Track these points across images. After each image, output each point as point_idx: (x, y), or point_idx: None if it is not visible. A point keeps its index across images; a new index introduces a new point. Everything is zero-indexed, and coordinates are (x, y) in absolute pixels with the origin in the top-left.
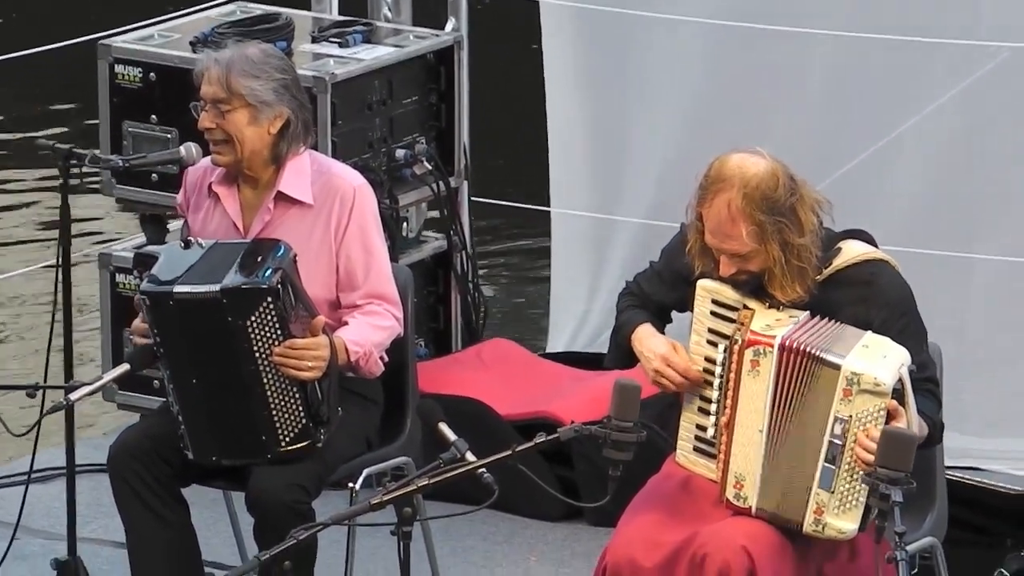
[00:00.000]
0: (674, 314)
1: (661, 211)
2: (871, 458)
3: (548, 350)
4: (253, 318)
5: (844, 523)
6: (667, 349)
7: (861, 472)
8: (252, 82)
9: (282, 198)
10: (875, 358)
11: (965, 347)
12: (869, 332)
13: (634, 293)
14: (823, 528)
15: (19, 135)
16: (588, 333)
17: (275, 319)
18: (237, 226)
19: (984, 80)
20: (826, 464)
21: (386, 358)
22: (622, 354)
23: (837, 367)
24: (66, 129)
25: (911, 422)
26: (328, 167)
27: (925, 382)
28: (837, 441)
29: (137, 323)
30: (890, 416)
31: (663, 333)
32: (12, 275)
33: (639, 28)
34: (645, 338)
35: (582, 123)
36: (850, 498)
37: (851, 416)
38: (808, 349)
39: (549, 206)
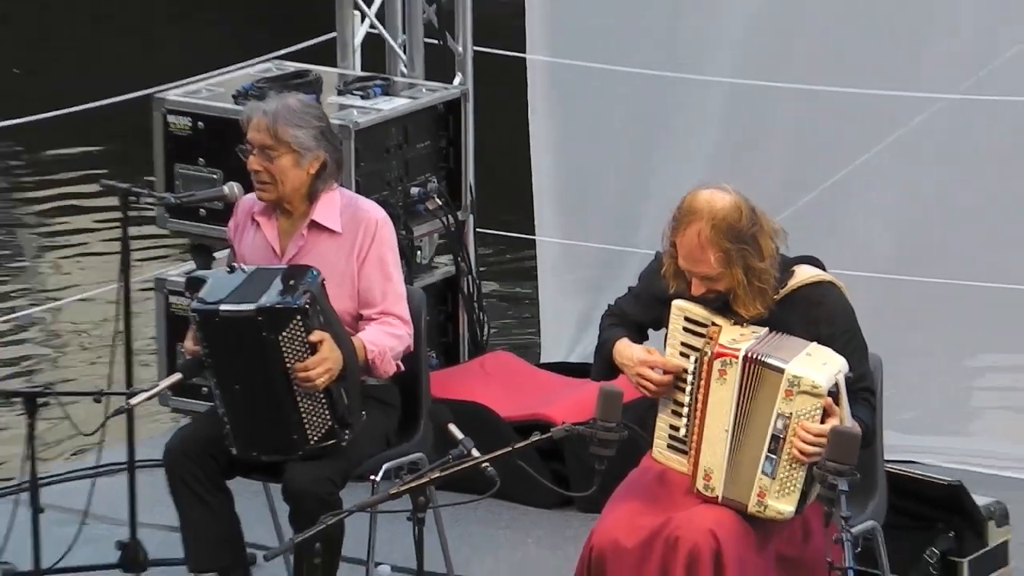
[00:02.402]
0: (650, 332)
1: (618, 238)
2: (809, 449)
3: (542, 360)
4: (284, 333)
5: (783, 505)
6: (644, 353)
7: (800, 463)
8: (296, 131)
9: (314, 226)
10: (815, 364)
11: (904, 359)
12: (814, 343)
13: (615, 314)
14: (764, 509)
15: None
16: (570, 334)
17: (303, 335)
18: (275, 250)
19: (921, 127)
20: (769, 454)
21: (402, 367)
22: (606, 367)
23: (781, 371)
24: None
25: (843, 420)
26: (355, 201)
27: (863, 391)
28: (779, 435)
29: (188, 341)
30: (826, 414)
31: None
32: (91, 294)
33: (602, 79)
34: (624, 348)
35: (560, 162)
36: (789, 484)
37: (791, 413)
38: (758, 356)
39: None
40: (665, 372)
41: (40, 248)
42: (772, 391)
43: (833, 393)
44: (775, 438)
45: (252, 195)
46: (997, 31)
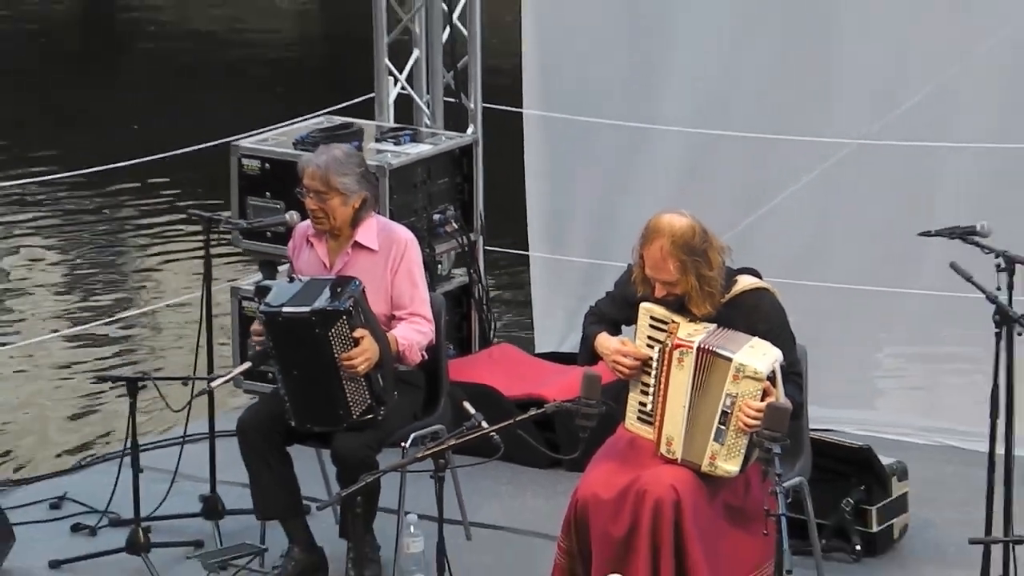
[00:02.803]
0: (623, 329)
1: (597, 253)
2: (751, 422)
3: (537, 350)
4: (333, 330)
5: (730, 466)
6: (619, 344)
7: (744, 432)
8: (343, 178)
9: (357, 246)
10: (757, 355)
11: (823, 347)
12: (756, 337)
13: (595, 313)
14: (715, 469)
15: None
16: (559, 330)
17: (348, 331)
18: (325, 264)
19: (834, 165)
20: (719, 426)
21: (426, 357)
22: (589, 355)
23: (730, 360)
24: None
25: (778, 398)
26: (388, 225)
27: (793, 375)
28: (727, 410)
29: (255, 328)
30: (765, 394)
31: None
32: (180, 300)
33: (582, 129)
34: (604, 340)
35: (547, 194)
36: (734, 449)
37: (737, 393)
38: (711, 348)
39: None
40: (635, 359)
41: (141, 263)
42: (722, 376)
43: (771, 377)
44: (724, 413)
45: (306, 222)
46: (897, 86)
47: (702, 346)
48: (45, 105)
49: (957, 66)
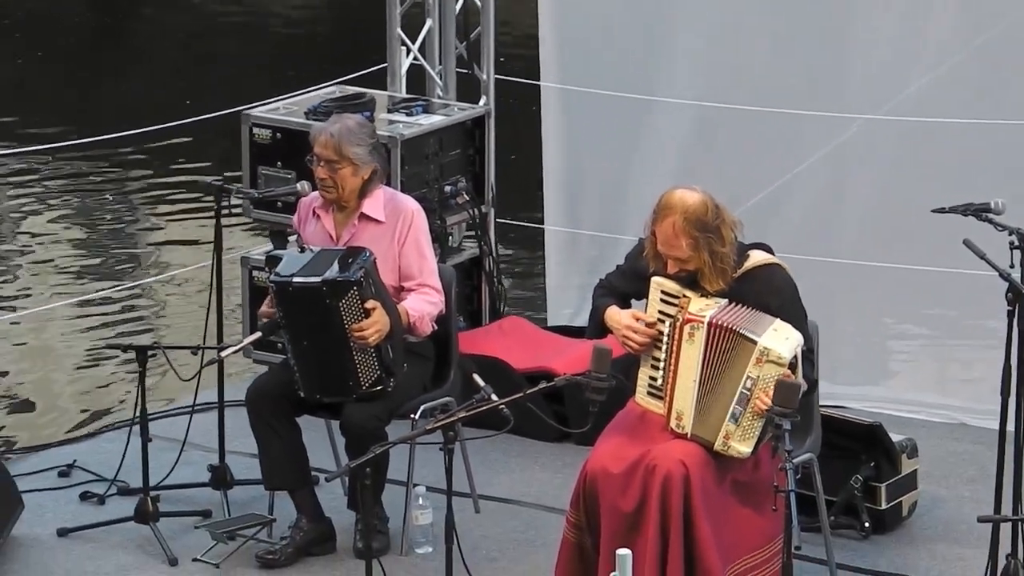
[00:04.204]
0: (632, 301)
1: (611, 227)
2: (768, 404)
3: (549, 324)
4: (343, 301)
5: (743, 447)
6: (630, 318)
7: (760, 415)
8: (355, 148)
9: (363, 217)
10: (780, 339)
11: (834, 324)
12: (778, 319)
13: (604, 286)
14: (727, 448)
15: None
16: (573, 303)
17: (359, 302)
18: (332, 236)
19: (847, 142)
20: (736, 406)
21: (436, 327)
22: (598, 328)
23: (755, 342)
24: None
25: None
26: (395, 196)
27: (807, 352)
28: (746, 392)
29: (265, 306)
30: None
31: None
32: (190, 269)
33: (598, 101)
34: (613, 314)
35: (564, 167)
36: (749, 431)
37: (758, 376)
38: (735, 328)
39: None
40: (646, 335)
41: (150, 233)
42: (745, 358)
43: (792, 363)
44: (743, 395)
45: (312, 194)
46: (910, 61)
47: (713, 321)
48: (57, 74)
49: (971, 43)
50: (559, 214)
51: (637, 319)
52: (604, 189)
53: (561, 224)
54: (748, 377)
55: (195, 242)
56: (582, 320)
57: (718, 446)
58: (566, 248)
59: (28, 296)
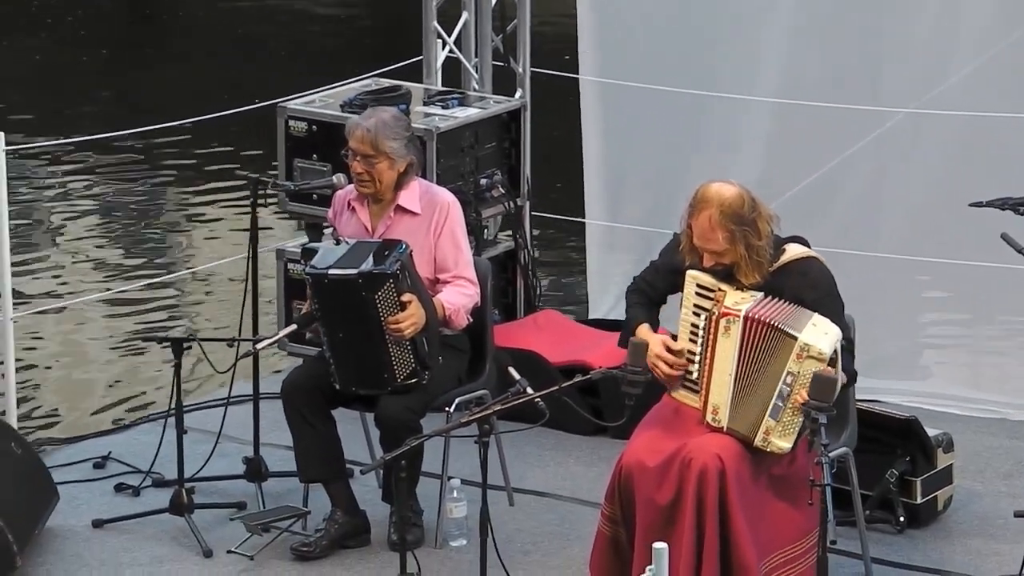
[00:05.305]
0: (669, 298)
1: (654, 221)
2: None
3: (590, 316)
4: (379, 293)
5: (783, 443)
6: (660, 346)
7: (800, 411)
8: (391, 142)
9: (399, 209)
10: (820, 334)
11: (871, 318)
12: (816, 314)
13: (640, 289)
14: (767, 444)
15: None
16: (609, 302)
17: (395, 295)
18: (367, 229)
19: (884, 135)
20: (777, 402)
21: (471, 320)
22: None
23: (795, 338)
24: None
25: (837, 375)
26: (430, 188)
27: (846, 343)
28: (787, 388)
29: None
30: None
31: (658, 319)
32: (224, 261)
33: (635, 95)
34: (644, 335)
35: (605, 160)
36: (789, 427)
37: (798, 372)
38: (775, 323)
39: (585, 218)
40: (674, 368)
41: (186, 225)
42: (786, 353)
43: (832, 359)
44: (783, 391)
45: (348, 187)
46: (949, 55)
47: (749, 315)
48: (93, 65)
49: (1010, 36)
50: (599, 207)
51: (668, 348)
52: (644, 182)
53: (602, 217)
54: (788, 373)
55: (232, 232)
56: (618, 313)
57: (758, 442)
58: (608, 241)
59: (64, 288)
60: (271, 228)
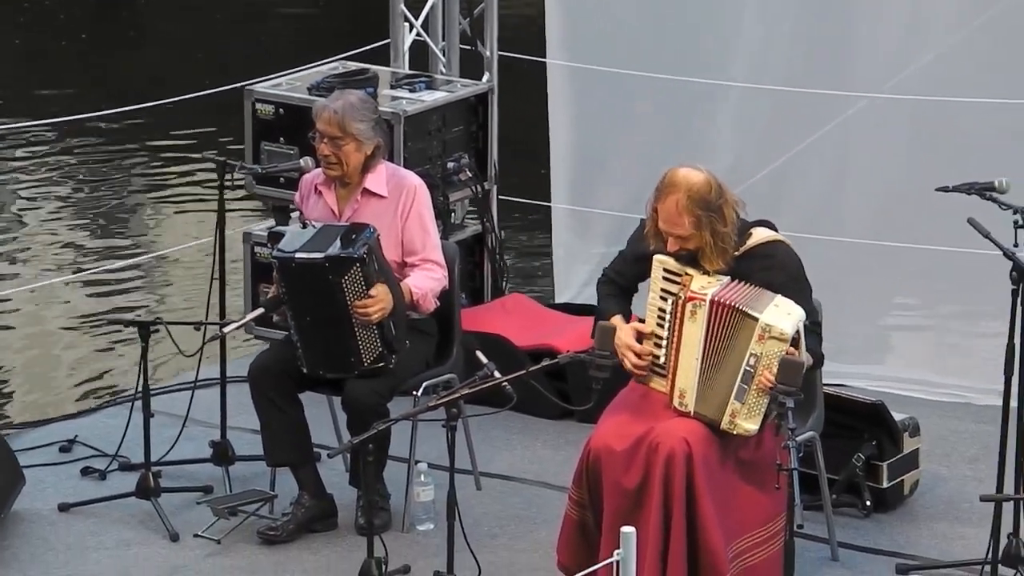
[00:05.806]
0: (640, 286)
1: (621, 206)
2: (773, 381)
3: (556, 300)
4: (346, 277)
5: (749, 424)
6: (630, 335)
7: (765, 392)
8: (359, 124)
9: (366, 192)
10: (782, 315)
11: (837, 302)
12: (779, 295)
13: (610, 279)
14: (734, 427)
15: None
16: (576, 287)
17: (362, 279)
18: (334, 212)
19: (849, 120)
20: (741, 384)
21: (439, 304)
22: None
23: (756, 319)
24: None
25: (801, 356)
26: (397, 171)
27: (813, 326)
28: (750, 370)
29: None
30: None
31: (630, 308)
32: (189, 245)
33: (601, 78)
34: (615, 325)
35: (572, 144)
36: (755, 408)
37: (761, 353)
38: (736, 305)
39: (551, 202)
40: (643, 361)
41: (153, 208)
42: (748, 335)
43: (795, 338)
44: (747, 373)
45: (315, 170)
46: (913, 40)
47: (715, 299)
48: (59, 46)
49: (974, 22)
50: (566, 192)
51: (638, 333)
52: (611, 167)
53: (568, 201)
54: (751, 354)
55: (198, 215)
56: (585, 297)
57: (724, 425)
58: (575, 226)
59: (29, 270)
60: (240, 210)
